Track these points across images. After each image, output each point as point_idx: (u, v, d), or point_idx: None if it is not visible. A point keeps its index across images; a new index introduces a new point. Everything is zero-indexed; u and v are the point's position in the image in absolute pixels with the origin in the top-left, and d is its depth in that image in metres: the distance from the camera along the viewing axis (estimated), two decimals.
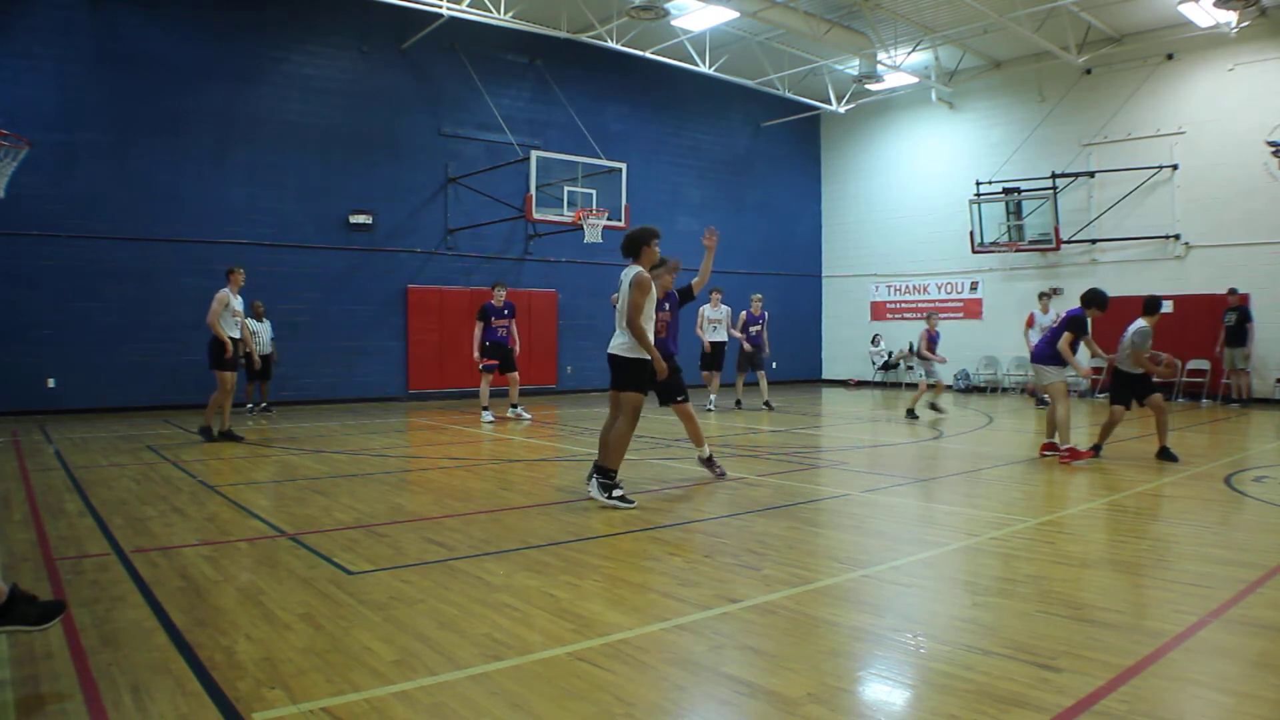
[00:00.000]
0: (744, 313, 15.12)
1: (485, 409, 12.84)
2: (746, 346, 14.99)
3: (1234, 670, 3.34)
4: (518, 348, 13.08)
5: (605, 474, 6.27)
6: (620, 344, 6.38)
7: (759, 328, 15.08)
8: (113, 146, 13.84)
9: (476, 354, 12.67)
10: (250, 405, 14.14)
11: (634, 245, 6.49)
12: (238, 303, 10.43)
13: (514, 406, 13.07)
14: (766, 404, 14.88)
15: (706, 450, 7.63)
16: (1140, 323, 8.63)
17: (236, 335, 10.39)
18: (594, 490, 6.30)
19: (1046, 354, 8.82)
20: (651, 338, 6.43)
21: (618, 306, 6.62)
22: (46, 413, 13.22)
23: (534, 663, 3.34)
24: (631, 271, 6.34)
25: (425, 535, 5.52)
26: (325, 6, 15.77)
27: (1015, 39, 17.19)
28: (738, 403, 15.07)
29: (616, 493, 6.23)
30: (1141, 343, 8.53)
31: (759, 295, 15.50)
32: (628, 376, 6.36)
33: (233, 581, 4.47)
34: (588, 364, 19.13)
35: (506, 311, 12.77)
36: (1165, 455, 8.65)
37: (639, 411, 6.38)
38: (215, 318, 10.12)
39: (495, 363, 12.72)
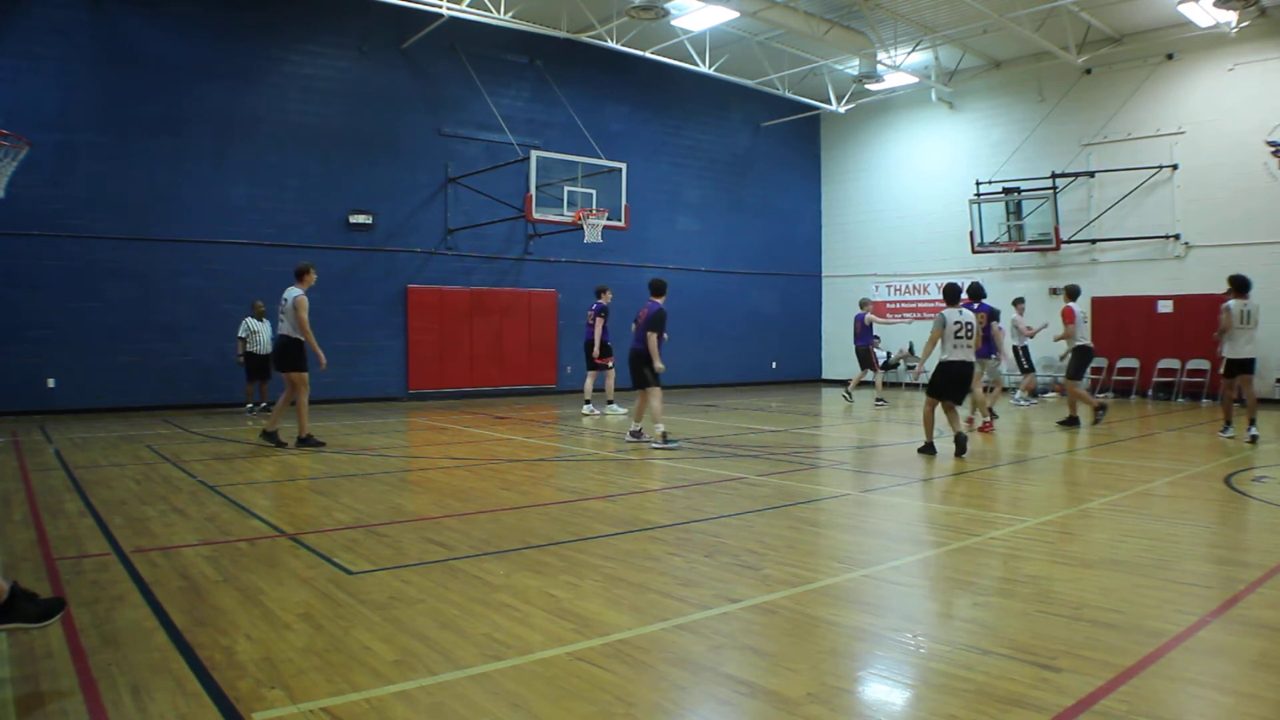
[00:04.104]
0: None
1: (587, 401, 13.99)
2: None
3: (1234, 670, 3.34)
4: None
5: None
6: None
7: None
8: (113, 146, 13.83)
9: (598, 351, 13.51)
10: (250, 405, 14.12)
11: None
12: None
13: (600, 403, 14.07)
14: None
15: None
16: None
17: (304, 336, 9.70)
18: None
19: (983, 349, 11.20)
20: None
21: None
22: (46, 413, 13.21)
23: (534, 663, 3.34)
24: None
25: (425, 535, 5.52)
26: (325, 6, 15.76)
27: (1015, 39, 17.18)
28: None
29: None
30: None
31: None
32: None
33: (233, 581, 4.47)
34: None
35: None
36: (960, 443, 8.89)
37: None
38: (306, 325, 9.52)
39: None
